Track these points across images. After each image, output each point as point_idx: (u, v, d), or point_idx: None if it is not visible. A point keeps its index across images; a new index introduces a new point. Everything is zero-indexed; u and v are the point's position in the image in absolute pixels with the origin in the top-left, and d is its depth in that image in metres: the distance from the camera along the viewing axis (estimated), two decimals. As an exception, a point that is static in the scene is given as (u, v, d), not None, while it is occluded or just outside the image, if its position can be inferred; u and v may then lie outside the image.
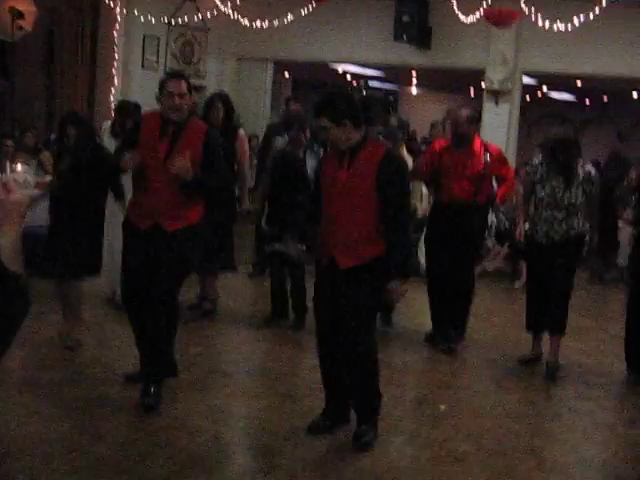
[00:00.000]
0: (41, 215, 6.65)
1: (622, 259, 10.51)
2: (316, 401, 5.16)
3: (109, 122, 7.57)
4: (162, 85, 5.23)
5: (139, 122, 5.42)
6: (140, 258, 5.13)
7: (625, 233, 10.42)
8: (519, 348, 6.88)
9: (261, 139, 10.58)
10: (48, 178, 7.90)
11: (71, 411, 4.98)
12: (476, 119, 7.16)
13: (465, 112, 6.81)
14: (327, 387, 4.94)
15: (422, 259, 8.02)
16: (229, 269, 7.84)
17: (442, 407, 5.59)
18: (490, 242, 10.32)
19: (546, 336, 6.65)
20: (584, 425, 5.50)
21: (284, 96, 18.09)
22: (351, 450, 4.70)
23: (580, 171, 6.39)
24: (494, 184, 7.03)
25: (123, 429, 4.80)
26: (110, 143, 6.71)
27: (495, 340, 7.25)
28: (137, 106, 7.61)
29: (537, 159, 6.58)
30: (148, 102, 11.61)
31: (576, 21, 9.50)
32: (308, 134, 7.43)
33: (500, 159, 7.01)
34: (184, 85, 5.19)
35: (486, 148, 6.89)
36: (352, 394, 4.88)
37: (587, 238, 6.50)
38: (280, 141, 8.16)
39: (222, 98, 7.42)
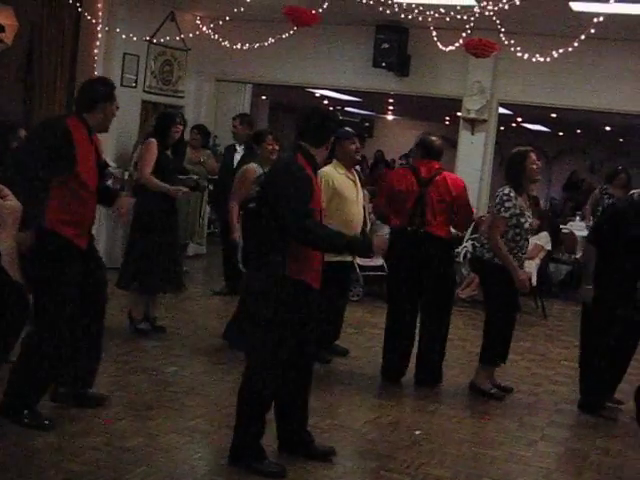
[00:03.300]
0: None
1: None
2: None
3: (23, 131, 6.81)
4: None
5: (65, 132, 4.92)
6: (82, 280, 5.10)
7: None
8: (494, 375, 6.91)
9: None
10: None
11: (45, 428, 4.94)
12: None
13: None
14: (287, 413, 4.87)
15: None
16: (177, 291, 7.84)
17: (417, 432, 5.59)
18: (464, 270, 10.43)
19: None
20: (558, 453, 5.54)
21: (261, 118, 18.22)
22: (326, 470, 4.72)
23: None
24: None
25: (98, 447, 4.76)
26: None
27: (469, 367, 7.26)
28: None
29: (509, 191, 6.39)
30: (125, 119, 11.70)
31: (555, 54, 9.62)
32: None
33: None
34: None
35: None
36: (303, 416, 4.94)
37: None
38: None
39: (183, 118, 7.62)
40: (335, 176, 6.82)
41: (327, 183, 6.68)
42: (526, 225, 6.41)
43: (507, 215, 6.32)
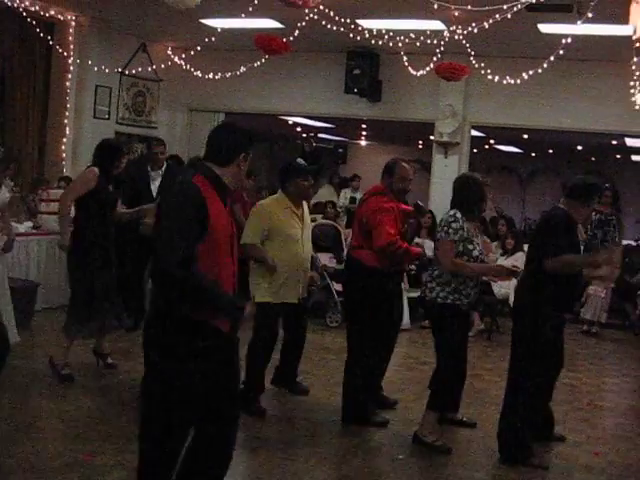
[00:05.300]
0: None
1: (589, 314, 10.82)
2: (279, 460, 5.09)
3: None
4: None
5: None
6: None
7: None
8: (471, 397, 6.90)
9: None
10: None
11: None
12: None
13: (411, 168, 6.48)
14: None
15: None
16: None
17: (400, 457, 5.57)
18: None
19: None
20: (543, 474, 5.51)
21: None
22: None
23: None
24: None
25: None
26: None
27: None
28: None
29: (454, 212, 5.76)
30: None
31: (525, 76, 9.71)
32: None
33: None
34: None
35: None
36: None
37: None
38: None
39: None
40: (276, 211, 6.38)
41: (265, 218, 6.35)
42: (475, 253, 5.71)
43: (456, 238, 5.66)
